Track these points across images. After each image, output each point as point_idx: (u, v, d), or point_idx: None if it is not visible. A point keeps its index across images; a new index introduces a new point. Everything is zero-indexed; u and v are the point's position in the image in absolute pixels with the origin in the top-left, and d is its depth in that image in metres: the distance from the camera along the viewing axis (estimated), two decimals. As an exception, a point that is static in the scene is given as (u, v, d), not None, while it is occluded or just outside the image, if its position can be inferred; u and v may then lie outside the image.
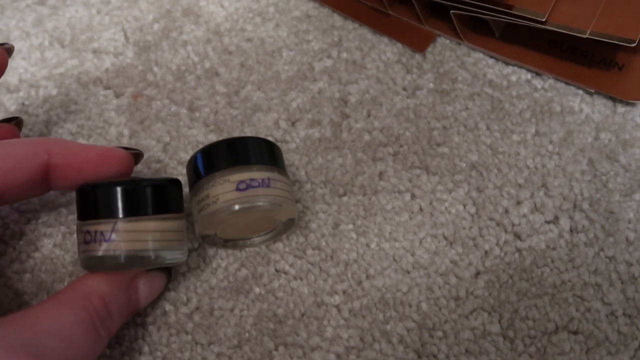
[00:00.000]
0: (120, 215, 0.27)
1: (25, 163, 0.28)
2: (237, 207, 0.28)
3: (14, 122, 0.34)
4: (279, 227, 0.32)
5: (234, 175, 0.29)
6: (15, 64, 0.41)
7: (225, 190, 0.29)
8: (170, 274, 0.32)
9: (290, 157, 0.36)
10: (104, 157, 0.30)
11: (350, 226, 0.34)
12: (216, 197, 0.28)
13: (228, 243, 0.32)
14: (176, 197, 0.30)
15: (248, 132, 0.37)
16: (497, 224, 0.34)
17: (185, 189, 0.31)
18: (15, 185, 0.28)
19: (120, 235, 0.27)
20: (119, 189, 0.27)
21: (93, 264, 0.27)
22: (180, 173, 0.36)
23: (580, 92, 0.38)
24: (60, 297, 0.26)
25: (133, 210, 0.27)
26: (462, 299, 0.31)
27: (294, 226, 0.33)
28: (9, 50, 0.33)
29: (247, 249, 0.33)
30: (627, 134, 0.36)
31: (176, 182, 0.30)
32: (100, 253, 0.27)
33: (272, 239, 0.33)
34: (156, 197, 0.28)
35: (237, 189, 0.28)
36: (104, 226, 0.27)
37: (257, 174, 0.29)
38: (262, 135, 0.36)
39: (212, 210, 0.29)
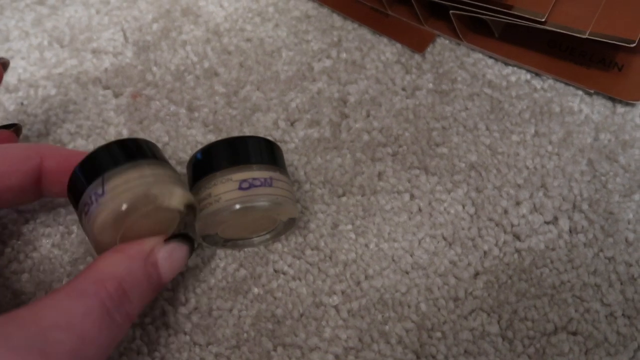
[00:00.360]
0: (106, 171, 0.27)
1: (19, 166, 0.28)
2: (239, 206, 0.28)
3: (13, 129, 0.34)
4: (280, 227, 0.32)
5: (236, 174, 0.29)
6: (14, 63, 0.41)
7: (228, 189, 0.28)
8: (192, 243, 0.30)
9: (289, 157, 0.36)
10: None
11: (349, 226, 0.34)
12: (218, 196, 0.28)
13: (228, 243, 0.32)
14: (155, 149, 0.29)
15: (247, 132, 0.37)
16: (496, 225, 0.34)
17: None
18: (8, 189, 0.28)
19: (113, 185, 0.26)
20: (97, 151, 0.28)
21: (102, 230, 0.27)
22: (179, 173, 0.36)
23: (580, 92, 0.38)
24: (71, 286, 0.25)
25: (117, 162, 0.27)
26: (461, 299, 0.31)
27: (294, 226, 0.32)
28: (4, 64, 0.33)
29: (245, 249, 0.33)
30: (627, 134, 0.36)
31: (151, 142, 0.30)
32: (101, 209, 0.26)
33: (272, 238, 0.33)
34: (134, 148, 0.28)
35: (240, 188, 0.28)
36: (95, 187, 0.27)
37: (259, 173, 0.29)
38: (261, 135, 0.36)
39: (214, 209, 0.28)
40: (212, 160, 0.30)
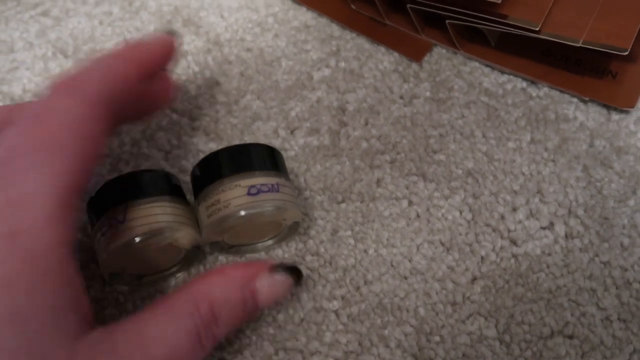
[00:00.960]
0: (131, 199, 0.29)
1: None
2: (249, 211, 0.29)
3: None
4: (284, 232, 0.33)
5: (244, 180, 0.30)
6: (19, 74, 0.42)
7: (237, 194, 0.29)
8: (300, 275, 0.30)
9: (289, 164, 0.37)
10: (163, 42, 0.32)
11: (349, 232, 0.34)
12: (227, 201, 0.29)
13: (232, 249, 0.33)
14: (177, 183, 0.32)
15: (247, 140, 0.38)
16: (493, 230, 0.34)
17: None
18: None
19: (134, 215, 0.28)
20: (128, 176, 0.30)
21: (113, 254, 0.28)
22: (182, 181, 0.36)
23: (575, 100, 0.39)
24: (169, 303, 0.26)
25: (143, 192, 0.29)
26: (459, 304, 0.32)
27: (297, 230, 0.33)
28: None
29: (247, 255, 0.34)
30: (621, 141, 0.37)
31: (175, 176, 0.32)
32: (117, 236, 0.28)
33: (276, 243, 0.33)
34: (161, 181, 0.31)
35: (249, 194, 0.29)
36: (117, 212, 0.29)
37: (266, 179, 0.30)
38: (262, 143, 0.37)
39: (223, 215, 0.29)
40: (220, 166, 0.30)
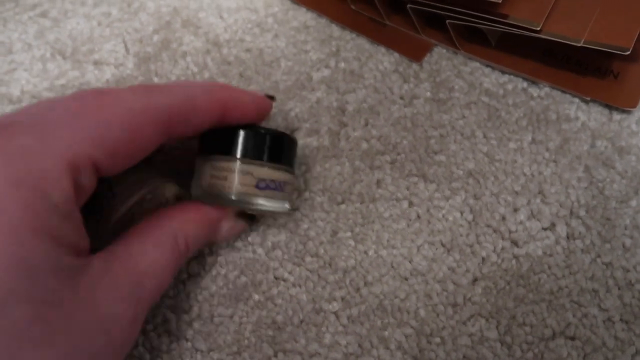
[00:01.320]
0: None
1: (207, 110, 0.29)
2: (251, 205, 0.29)
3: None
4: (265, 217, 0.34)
5: (258, 169, 0.29)
6: (17, 75, 0.41)
7: (245, 182, 0.29)
8: (252, 220, 0.34)
9: (288, 165, 0.37)
10: (258, 102, 0.32)
11: (349, 234, 0.34)
12: (232, 183, 0.29)
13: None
14: None
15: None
16: (494, 231, 0.34)
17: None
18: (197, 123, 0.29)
19: (122, 187, 0.30)
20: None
21: (119, 228, 0.29)
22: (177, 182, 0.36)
23: (576, 100, 0.39)
24: (154, 236, 0.28)
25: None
26: (460, 305, 0.32)
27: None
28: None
29: (247, 258, 0.33)
30: (623, 141, 0.37)
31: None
32: (116, 209, 0.29)
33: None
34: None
35: (257, 186, 0.29)
36: (105, 189, 0.29)
37: (278, 175, 0.30)
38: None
39: (224, 193, 0.29)
40: (239, 142, 0.30)
